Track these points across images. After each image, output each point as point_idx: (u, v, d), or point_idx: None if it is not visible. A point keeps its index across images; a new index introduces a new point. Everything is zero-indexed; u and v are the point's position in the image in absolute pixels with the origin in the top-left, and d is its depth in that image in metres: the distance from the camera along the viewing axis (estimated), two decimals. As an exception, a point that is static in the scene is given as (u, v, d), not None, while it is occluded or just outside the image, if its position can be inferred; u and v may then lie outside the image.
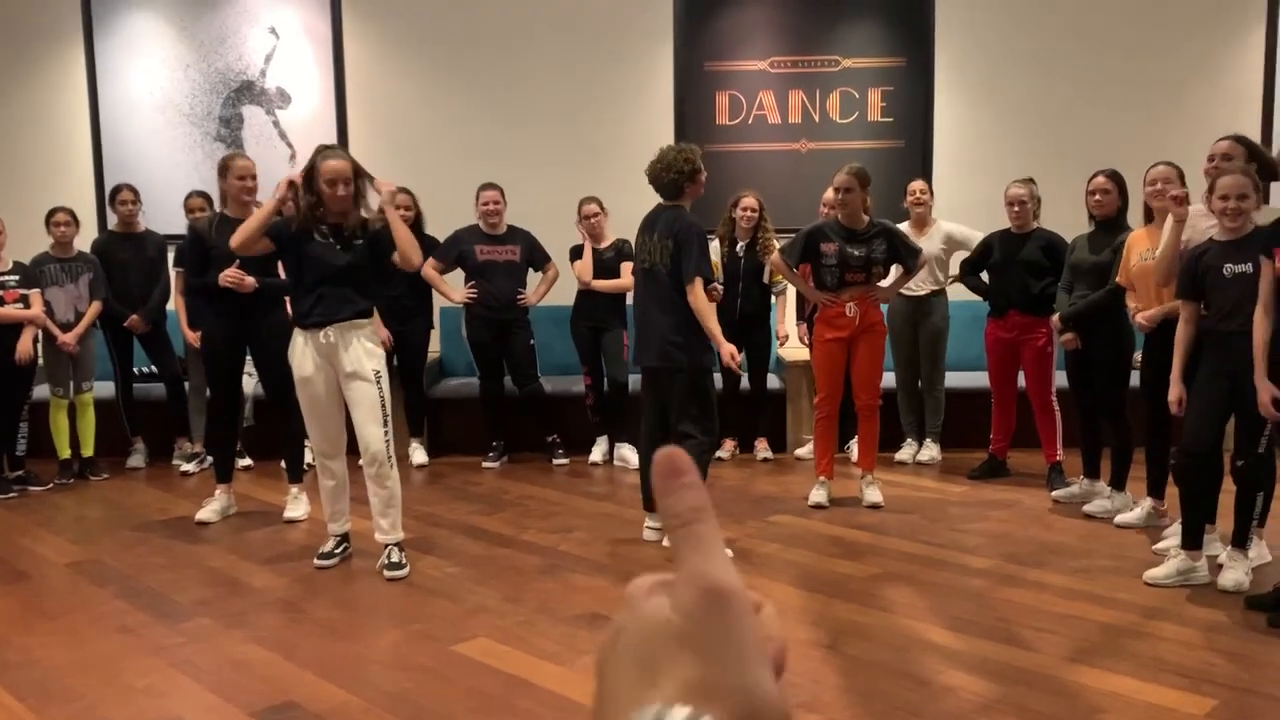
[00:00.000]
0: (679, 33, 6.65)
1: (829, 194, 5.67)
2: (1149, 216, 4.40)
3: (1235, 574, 3.69)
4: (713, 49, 6.67)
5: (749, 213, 5.69)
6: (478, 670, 3.10)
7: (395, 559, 4.02)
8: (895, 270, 4.95)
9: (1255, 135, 6.35)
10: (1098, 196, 4.75)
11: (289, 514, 4.80)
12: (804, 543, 4.35)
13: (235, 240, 3.95)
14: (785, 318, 6.04)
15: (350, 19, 6.66)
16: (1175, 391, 3.90)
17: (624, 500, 5.16)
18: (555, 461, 5.93)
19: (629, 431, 5.91)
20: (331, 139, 6.62)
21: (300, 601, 3.73)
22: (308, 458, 5.19)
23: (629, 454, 5.85)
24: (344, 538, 4.19)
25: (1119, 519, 4.57)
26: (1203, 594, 3.68)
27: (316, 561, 4.10)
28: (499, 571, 4.05)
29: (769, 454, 6.00)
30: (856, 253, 4.74)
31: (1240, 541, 3.73)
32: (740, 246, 5.79)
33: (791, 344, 6.09)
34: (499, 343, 5.85)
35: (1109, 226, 4.69)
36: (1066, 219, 5.15)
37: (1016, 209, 5.15)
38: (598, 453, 5.98)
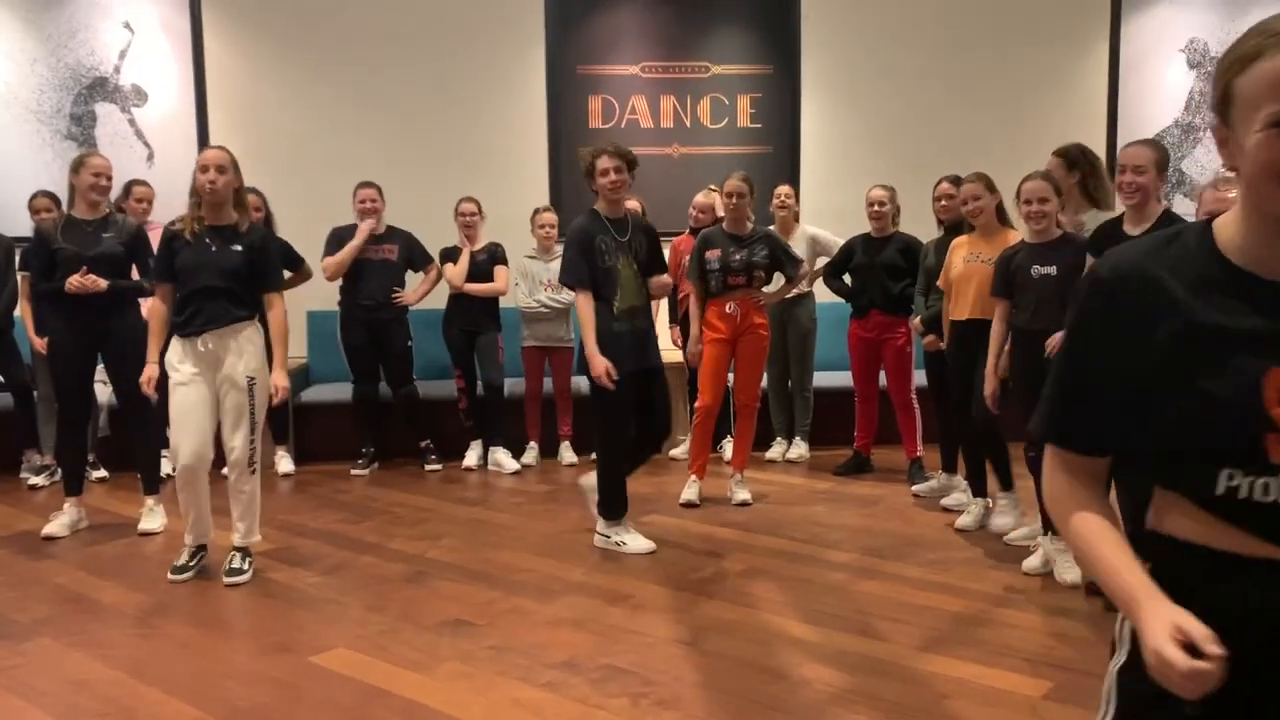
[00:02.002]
0: (551, 35, 6.65)
1: (700, 198, 5.77)
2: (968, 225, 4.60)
3: (1073, 569, 3.85)
4: (585, 53, 6.70)
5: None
6: (335, 681, 3.04)
7: (237, 564, 3.94)
8: (779, 279, 5.13)
9: (1101, 138, 6.71)
10: (943, 202, 4.95)
11: (144, 526, 4.62)
12: (674, 541, 4.40)
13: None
14: (657, 321, 6.08)
15: (210, 15, 6.45)
16: (990, 386, 4.07)
17: (497, 505, 5.13)
18: (428, 467, 5.86)
19: (504, 436, 5.89)
20: (191, 139, 6.41)
21: (152, 617, 3.59)
22: (165, 468, 5.02)
23: (504, 459, 5.82)
24: (201, 549, 4.05)
25: (1010, 537, 4.39)
26: (1051, 583, 3.85)
27: (171, 576, 3.96)
28: (362, 580, 3.97)
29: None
30: (738, 257, 4.83)
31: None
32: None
33: (664, 346, 6.13)
34: (374, 344, 5.75)
35: (957, 231, 4.87)
36: (930, 223, 5.31)
37: (876, 210, 5.32)
38: (472, 458, 5.93)
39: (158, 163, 6.37)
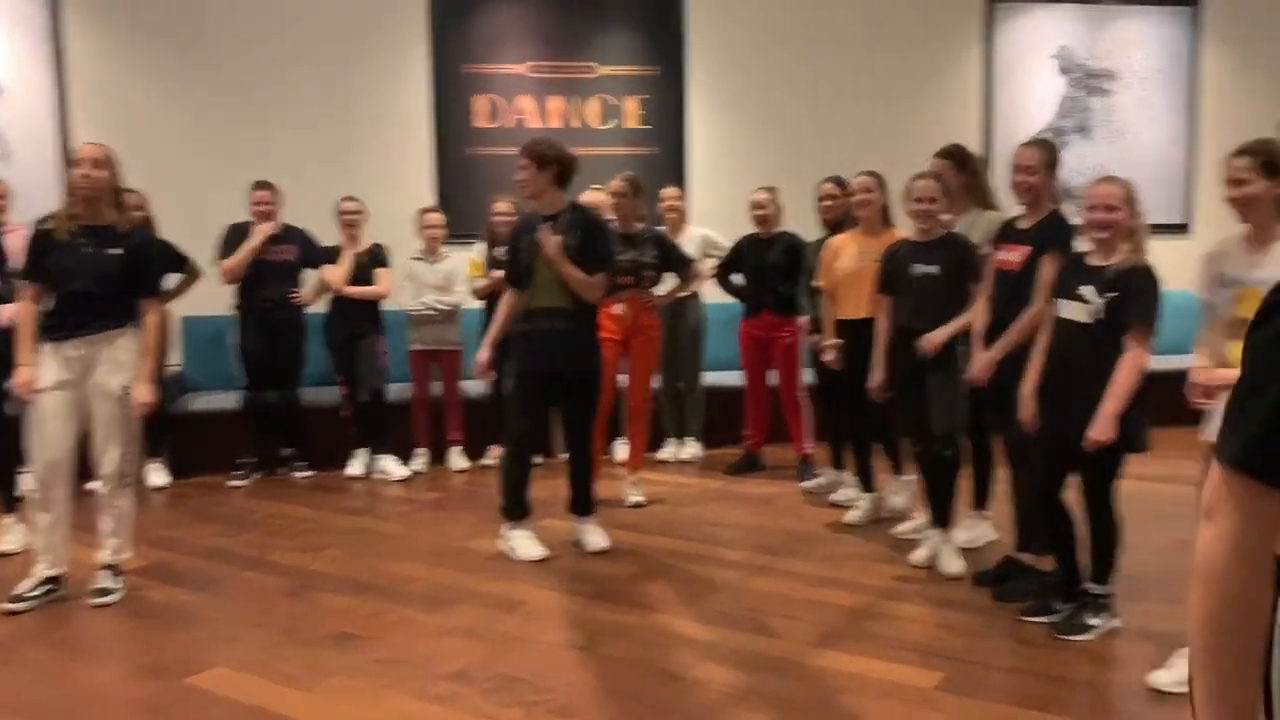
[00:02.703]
0: (435, 33, 6.51)
1: (585, 196, 5.72)
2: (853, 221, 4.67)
3: (955, 563, 3.93)
4: (470, 51, 6.58)
5: (502, 217, 5.61)
6: (212, 703, 2.88)
7: (106, 584, 3.72)
8: (671, 279, 5.15)
9: (977, 140, 6.91)
10: (827, 202, 5.02)
11: (0, 548, 4.33)
12: (567, 546, 4.33)
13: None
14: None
15: (72, 9, 6.11)
16: (876, 377, 4.13)
17: (383, 514, 4.98)
18: (296, 475, 5.66)
19: (388, 443, 5.73)
20: (52, 138, 6.08)
21: (9, 643, 3.36)
22: (26, 484, 4.71)
23: (390, 465, 5.67)
24: (53, 580, 3.74)
25: (898, 530, 4.48)
26: (938, 575, 3.91)
27: (6, 605, 3.61)
28: (241, 596, 3.80)
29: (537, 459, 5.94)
30: (625, 257, 4.79)
31: (941, 523, 3.98)
32: (500, 251, 5.72)
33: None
34: (271, 348, 5.53)
35: (839, 230, 4.93)
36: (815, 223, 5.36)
37: (759, 213, 5.37)
38: (356, 466, 5.75)
39: (15, 161, 6.00)
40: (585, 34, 6.70)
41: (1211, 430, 2.66)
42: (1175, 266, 3.98)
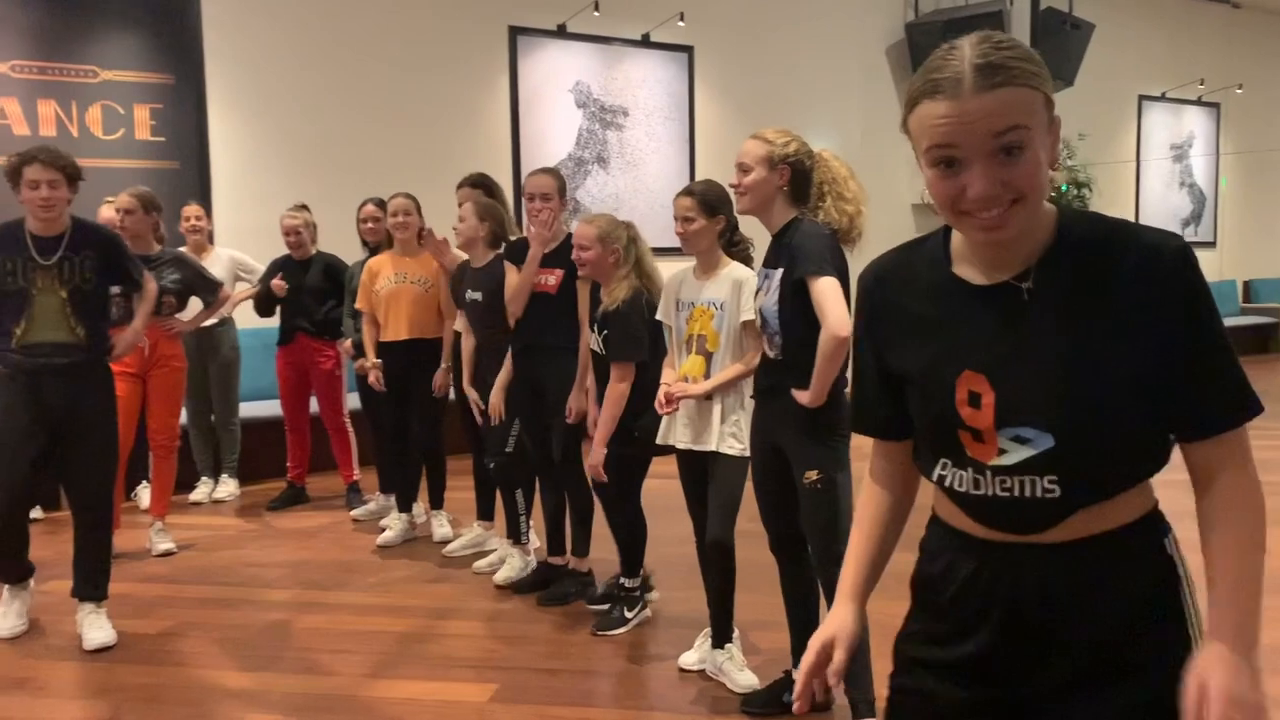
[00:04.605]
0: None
1: (104, 212, 5.21)
2: (389, 241, 4.69)
3: (513, 568, 4.08)
4: (-68, 44, 5.65)
5: None
6: None
7: None
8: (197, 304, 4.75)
9: (508, 166, 7.20)
10: (369, 224, 4.97)
11: None
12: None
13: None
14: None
15: None
16: (497, 397, 4.03)
17: None
18: None
19: None
20: None
21: None
22: None
23: None
24: None
25: (449, 550, 4.53)
26: (486, 587, 4.01)
27: None
28: None
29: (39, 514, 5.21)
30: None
31: (514, 535, 4.14)
32: None
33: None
34: None
35: (378, 252, 4.90)
36: (352, 243, 5.26)
37: (291, 238, 5.17)
38: None
39: None
40: (84, 35, 6.02)
41: (677, 436, 3.00)
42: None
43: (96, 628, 3.50)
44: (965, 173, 1.10)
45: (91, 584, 3.55)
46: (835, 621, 1.33)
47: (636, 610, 3.58)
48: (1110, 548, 1.19)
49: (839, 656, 1.29)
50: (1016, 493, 1.18)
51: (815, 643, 1.31)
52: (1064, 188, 9.00)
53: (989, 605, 1.23)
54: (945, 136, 1.10)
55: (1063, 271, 1.16)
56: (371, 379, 4.60)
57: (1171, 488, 1.35)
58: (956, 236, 1.24)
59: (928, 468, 1.30)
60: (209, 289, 4.69)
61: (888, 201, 8.88)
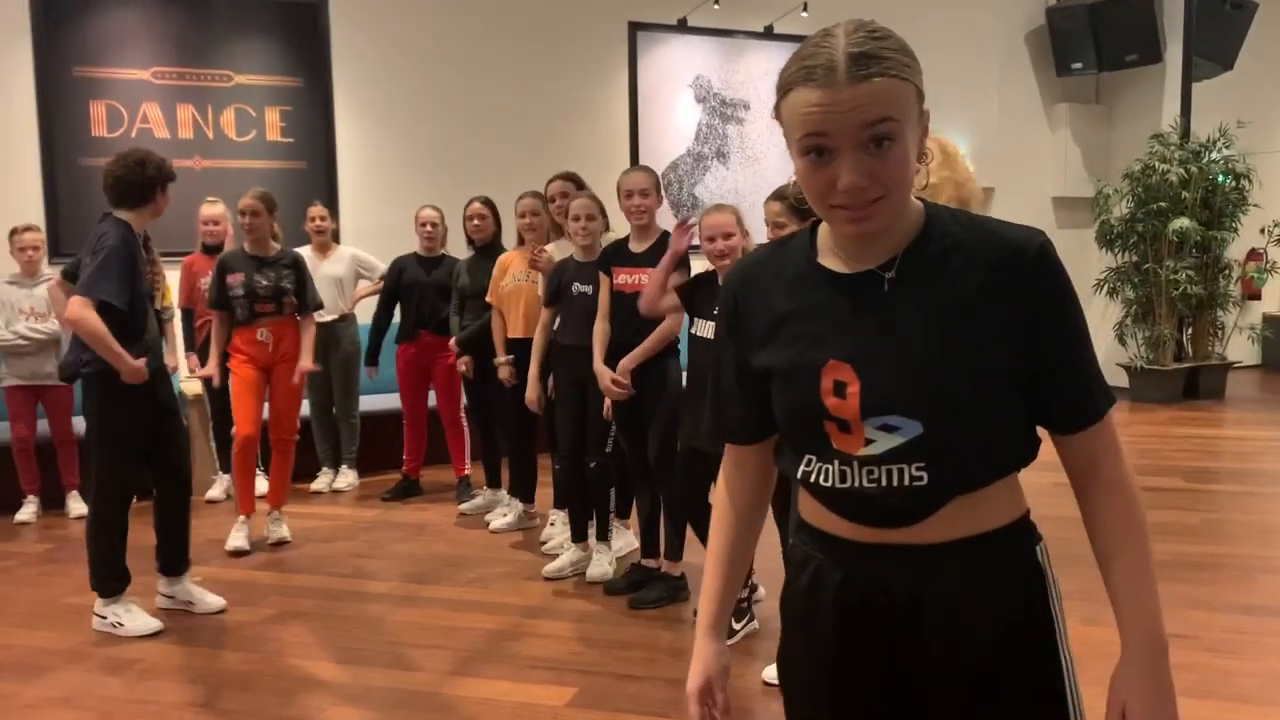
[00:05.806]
0: (39, 32, 5.86)
1: (205, 209, 5.43)
2: (520, 240, 4.68)
3: (600, 565, 4.04)
4: (83, 53, 5.98)
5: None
6: None
7: None
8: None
9: (626, 160, 7.16)
10: (475, 222, 4.99)
11: None
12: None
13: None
14: (175, 348, 5.50)
15: None
16: (532, 392, 4.19)
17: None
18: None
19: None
20: None
21: None
22: None
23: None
24: None
25: (493, 524, 4.82)
26: (580, 586, 3.98)
27: None
28: None
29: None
30: (265, 282, 4.49)
31: (602, 535, 4.09)
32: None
33: (184, 375, 5.62)
34: None
35: (488, 251, 4.93)
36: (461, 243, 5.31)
37: (428, 230, 5.27)
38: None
39: None
40: (219, 41, 6.28)
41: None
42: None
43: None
44: (835, 162, 1.09)
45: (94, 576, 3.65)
46: (704, 662, 1.32)
47: (745, 622, 3.44)
48: (982, 552, 1.16)
49: (721, 699, 1.31)
50: (884, 483, 1.15)
51: (694, 692, 1.31)
52: (1222, 179, 8.32)
53: (861, 620, 1.20)
54: (817, 125, 1.08)
55: (927, 263, 1.15)
56: (502, 374, 4.59)
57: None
58: (824, 228, 1.22)
59: (791, 465, 1.24)
60: (304, 302, 4.65)
61: (1029, 193, 8.47)
